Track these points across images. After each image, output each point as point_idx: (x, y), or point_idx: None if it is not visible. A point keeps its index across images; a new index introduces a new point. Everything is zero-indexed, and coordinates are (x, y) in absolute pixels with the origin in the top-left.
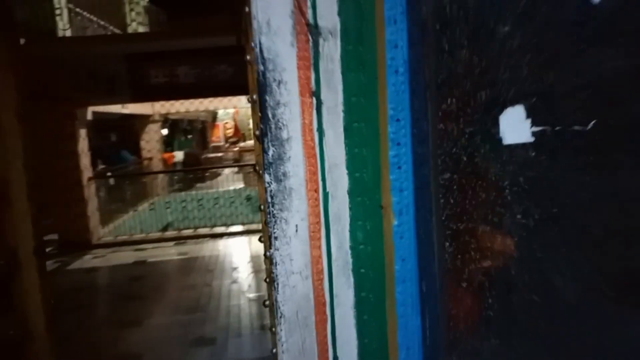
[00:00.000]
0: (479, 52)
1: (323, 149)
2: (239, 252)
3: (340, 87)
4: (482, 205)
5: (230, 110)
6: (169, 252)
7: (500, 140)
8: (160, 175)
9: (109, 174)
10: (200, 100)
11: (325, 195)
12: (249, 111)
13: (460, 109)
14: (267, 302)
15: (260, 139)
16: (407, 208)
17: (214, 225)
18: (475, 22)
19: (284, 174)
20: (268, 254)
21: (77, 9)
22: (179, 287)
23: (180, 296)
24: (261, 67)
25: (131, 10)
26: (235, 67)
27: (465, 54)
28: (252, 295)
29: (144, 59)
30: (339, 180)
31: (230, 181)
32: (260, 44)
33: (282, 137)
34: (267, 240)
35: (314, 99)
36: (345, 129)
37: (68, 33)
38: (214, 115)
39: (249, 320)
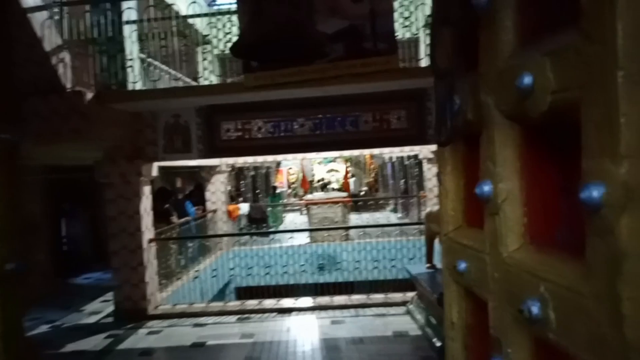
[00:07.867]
0: None
1: None
2: (311, 339)
3: None
4: None
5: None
6: (232, 332)
7: None
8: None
9: (169, 233)
10: None
11: None
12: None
13: None
14: None
15: None
16: None
17: (280, 293)
18: None
19: None
20: None
21: (149, 59)
22: None
23: None
24: None
25: (204, 59)
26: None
27: None
28: None
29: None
30: None
31: (293, 234)
32: None
33: None
34: None
35: None
36: None
37: (138, 85)
38: (277, 162)
39: None
